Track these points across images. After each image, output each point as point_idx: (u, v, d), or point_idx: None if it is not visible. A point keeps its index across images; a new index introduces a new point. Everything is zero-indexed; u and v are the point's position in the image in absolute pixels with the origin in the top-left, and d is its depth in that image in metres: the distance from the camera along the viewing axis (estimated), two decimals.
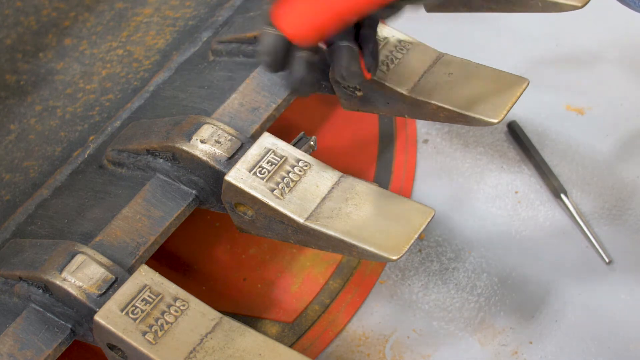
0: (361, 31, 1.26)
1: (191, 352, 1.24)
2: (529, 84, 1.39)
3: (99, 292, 1.29)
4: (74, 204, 1.45)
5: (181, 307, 1.27)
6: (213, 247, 1.68)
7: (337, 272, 1.65)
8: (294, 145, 1.38)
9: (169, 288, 1.29)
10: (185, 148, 1.37)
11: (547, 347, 1.55)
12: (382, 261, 1.34)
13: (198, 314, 1.27)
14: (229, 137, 1.38)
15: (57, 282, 1.29)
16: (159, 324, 1.26)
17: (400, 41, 1.46)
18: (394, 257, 1.25)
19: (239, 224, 1.39)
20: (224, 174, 1.35)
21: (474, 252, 1.66)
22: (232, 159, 1.36)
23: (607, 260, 1.62)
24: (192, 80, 1.56)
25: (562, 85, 1.83)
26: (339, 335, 1.59)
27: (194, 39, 1.64)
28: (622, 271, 1.61)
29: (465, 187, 1.73)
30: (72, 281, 1.29)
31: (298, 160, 1.35)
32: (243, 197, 1.33)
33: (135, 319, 1.26)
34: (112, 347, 1.28)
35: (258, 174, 1.33)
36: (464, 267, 1.64)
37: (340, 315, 1.61)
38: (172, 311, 1.27)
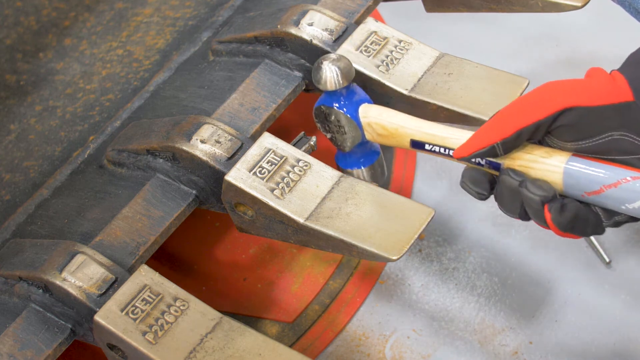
0: None
1: (191, 352, 1.24)
2: (529, 83, 1.39)
3: (99, 292, 1.29)
4: (74, 204, 1.45)
5: (181, 307, 1.27)
6: (213, 247, 1.68)
7: (337, 272, 1.64)
8: (294, 145, 1.38)
9: (169, 288, 1.29)
10: (185, 148, 1.37)
11: (547, 347, 1.55)
12: (382, 261, 1.34)
13: (198, 314, 1.27)
14: (229, 137, 1.38)
15: (57, 282, 1.29)
16: (159, 324, 1.26)
17: (400, 41, 1.46)
18: (394, 257, 1.25)
19: (239, 224, 1.39)
20: (224, 173, 1.35)
21: (474, 252, 1.66)
22: (232, 158, 1.36)
23: (607, 260, 1.62)
24: (192, 80, 1.56)
25: None
26: (339, 335, 1.59)
27: (194, 39, 1.63)
28: (622, 271, 1.61)
29: None
30: (72, 281, 1.29)
31: (298, 160, 1.35)
32: (243, 197, 1.33)
33: (135, 319, 1.26)
34: (112, 347, 1.28)
35: (258, 173, 1.33)
36: (464, 267, 1.64)
37: (340, 315, 1.61)
38: (172, 311, 1.27)
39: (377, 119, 1.35)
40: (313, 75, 1.37)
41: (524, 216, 1.20)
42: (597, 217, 1.17)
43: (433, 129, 1.28)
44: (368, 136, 1.37)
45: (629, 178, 1.13)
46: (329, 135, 1.41)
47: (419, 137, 1.29)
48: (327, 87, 1.37)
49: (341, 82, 1.36)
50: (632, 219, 1.17)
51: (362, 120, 1.37)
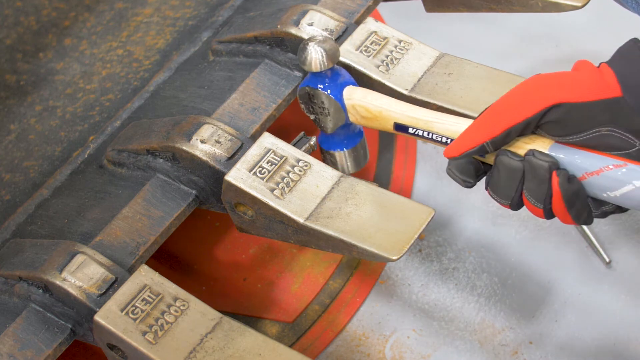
0: None
1: (191, 352, 1.24)
2: None
3: (99, 292, 1.29)
4: (74, 204, 1.45)
5: (181, 307, 1.27)
6: (213, 247, 1.68)
7: (337, 272, 1.64)
8: (294, 145, 1.38)
9: (169, 288, 1.29)
10: (185, 148, 1.37)
11: (547, 347, 1.55)
12: (382, 261, 1.34)
13: (198, 314, 1.27)
14: (229, 137, 1.38)
15: (57, 282, 1.29)
16: (159, 324, 1.26)
17: (400, 41, 1.46)
18: (394, 257, 1.24)
19: (239, 224, 1.39)
20: (224, 173, 1.35)
21: (474, 252, 1.66)
22: (232, 158, 1.36)
23: (607, 261, 1.62)
24: (192, 80, 1.56)
25: None
26: (339, 335, 1.59)
27: (194, 39, 1.64)
28: (622, 271, 1.61)
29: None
30: (72, 281, 1.29)
31: (298, 160, 1.35)
32: (243, 197, 1.33)
33: (135, 319, 1.26)
34: (112, 347, 1.28)
35: (258, 173, 1.33)
36: (464, 267, 1.64)
37: (340, 315, 1.61)
38: (172, 311, 1.27)
39: (361, 102, 1.35)
40: (298, 55, 1.37)
41: (517, 202, 1.20)
42: (589, 205, 1.17)
43: (417, 113, 1.28)
44: (352, 118, 1.37)
45: (611, 166, 1.13)
46: (312, 117, 1.41)
47: (402, 121, 1.29)
48: (312, 68, 1.36)
49: (326, 63, 1.36)
50: (619, 209, 1.17)
51: (347, 102, 1.37)
